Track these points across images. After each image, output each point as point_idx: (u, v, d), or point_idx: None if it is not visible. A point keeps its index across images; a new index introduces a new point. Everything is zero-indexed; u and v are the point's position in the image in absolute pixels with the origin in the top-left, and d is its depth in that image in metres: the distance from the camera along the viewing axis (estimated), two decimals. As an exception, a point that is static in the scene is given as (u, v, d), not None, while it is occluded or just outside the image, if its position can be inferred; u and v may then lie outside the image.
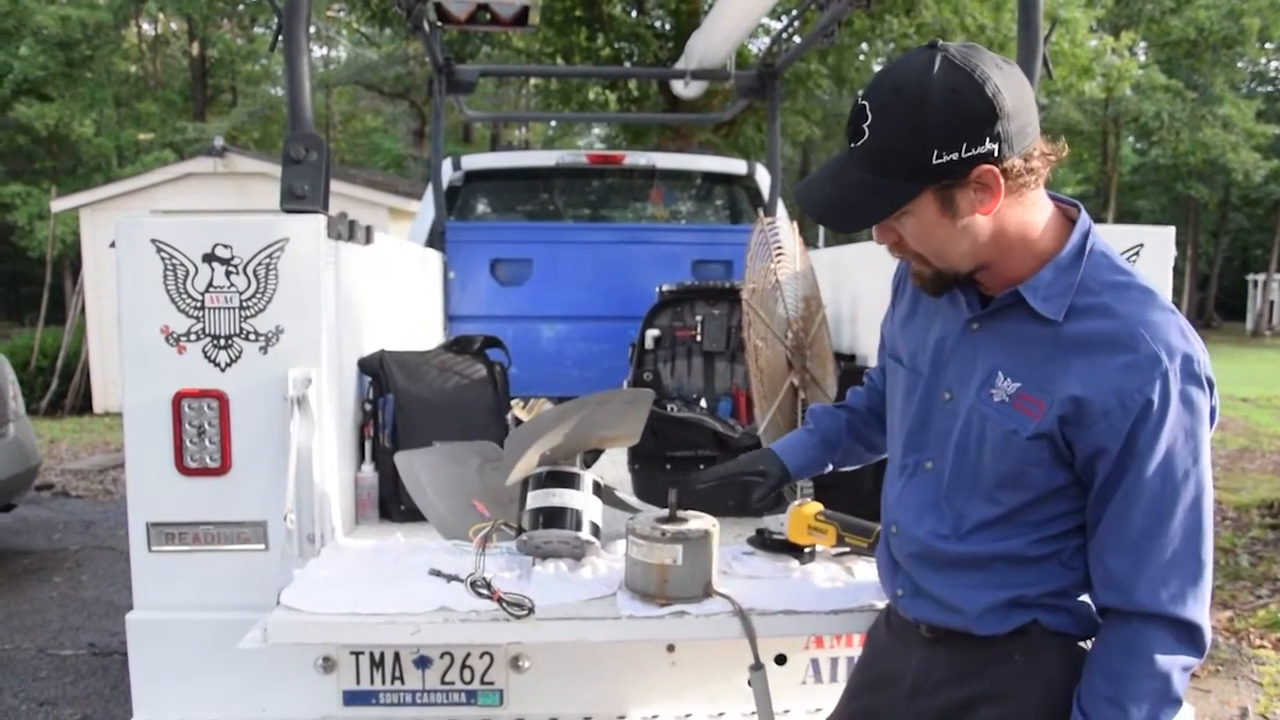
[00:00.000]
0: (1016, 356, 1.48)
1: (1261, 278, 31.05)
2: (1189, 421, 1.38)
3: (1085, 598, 1.51)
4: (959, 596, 1.54)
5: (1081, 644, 1.52)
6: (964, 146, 1.34)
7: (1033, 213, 1.45)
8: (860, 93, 1.43)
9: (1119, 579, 1.42)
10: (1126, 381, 1.37)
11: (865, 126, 1.38)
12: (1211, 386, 1.41)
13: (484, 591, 1.86)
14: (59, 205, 12.87)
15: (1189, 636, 1.40)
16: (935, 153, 1.34)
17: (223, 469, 2.23)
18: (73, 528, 6.70)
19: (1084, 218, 1.50)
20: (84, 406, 12.13)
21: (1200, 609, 1.40)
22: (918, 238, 1.45)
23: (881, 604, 1.83)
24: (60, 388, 12.11)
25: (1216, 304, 35.51)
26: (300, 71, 2.44)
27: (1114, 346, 1.39)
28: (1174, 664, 1.40)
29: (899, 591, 1.66)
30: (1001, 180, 1.37)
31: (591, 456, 2.23)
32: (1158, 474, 1.38)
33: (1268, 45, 29.08)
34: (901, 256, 1.54)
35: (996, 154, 1.35)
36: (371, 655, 2.23)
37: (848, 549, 2.10)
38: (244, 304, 2.21)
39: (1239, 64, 29.55)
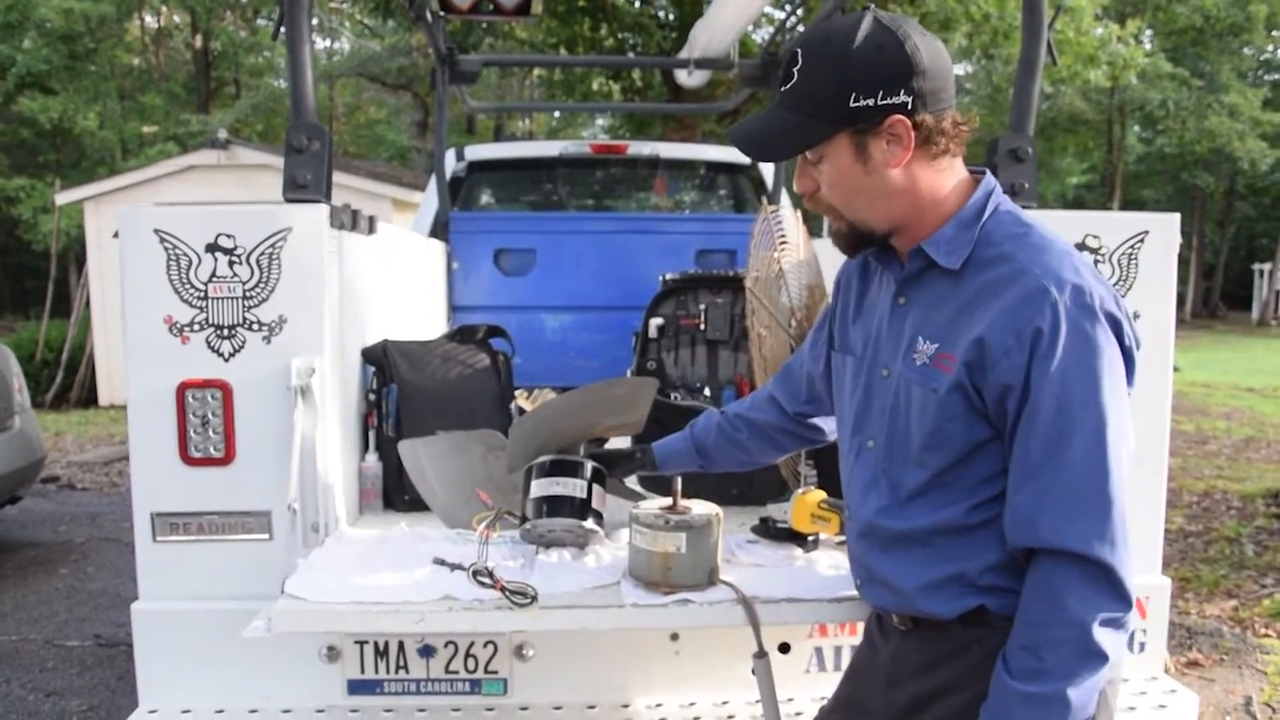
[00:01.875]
0: (933, 319, 1.54)
1: (1267, 267, 30.93)
2: (1083, 351, 1.40)
3: None
4: (900, 574, 1.57)
5: None
6: (880, 94, 1.45)
7: (945, 178, 1.54)
8: (793, 41, 1.54)
9: (1023, 514, 1.42)
10: (1019, 316, 1.41)
11: (795, 70, 1.50)
12: (1116, 324, 1.42)
13: (486, 581, 1.86)
14: (63, 198, 12.90)
15: (1105, 580, 1.38)
16: (853, 95, 1.45)
17: (226, 459, 2.24)
18: (78, 520, 6.72)
19: (989, 179, 1.58)
20: (89, 399, 12.17)
21: (1112, 550, 1.38)
22: (832, 184, 1.54)
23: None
24: (65, 381, 12.14)
25: (1222, 294, 35.41)
26: (302, 61, 2.44)
27: (1008, 286, 1.44)
28: (1090, 612, 1.37)
29: (857, 581, 1.72)
30: (912, 134, 1.47)
31: (595, 445, 2.22)
32: (1052, 403, 1.39)
33: (1275, 33, 28.95)
34: (816, 209, 1.61)
35: (910, 107, 1.46)
36: (376, 644, 2.24)
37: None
38: (247, 294, 2.21)
39: (1245, 51, 29.43)
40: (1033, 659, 1.39)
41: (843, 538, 2.12)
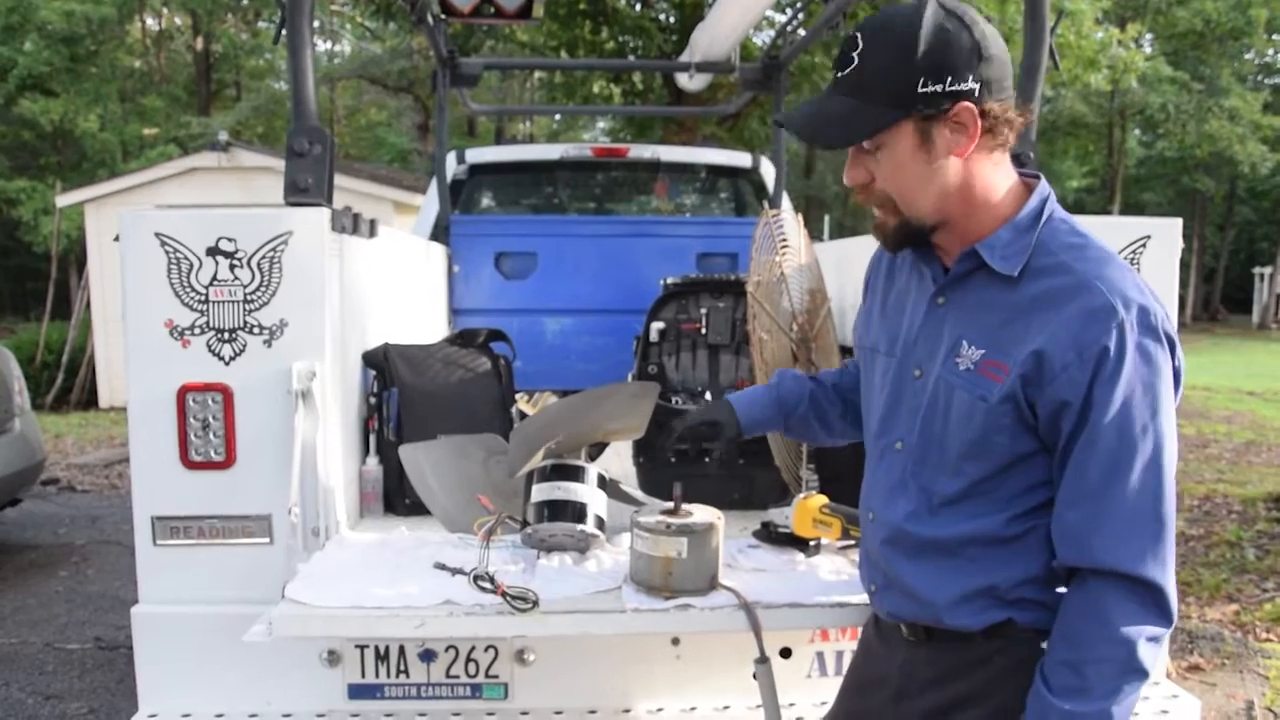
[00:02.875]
0: (979, 323, 1.49)
1: (1268, 271, 30.93)
2: (1146, 374, 1.38)
3: (1061, 589, 1.49)
4: (927, 585, 1.53)
5: None
6: (948, 79, 1.41)
7: (998, 174, 1.50)
8: (853, 28, 1.50)
9: (1077, 533, 1.40)
10: (1083, 333, 1.37)
11: (855, 55, 1.45)
12: (1172, 345, 1.41)
13: (487, 586, 1.86)
14: (64, 200, 12.91)
15: (1152, 600, 1.38)
16: (921, 81, 1.41)
17: (227, 463, 2.23)
18: (79, 522, 6.72)
19: (1044, 185, 1.54)
20: (89, 401, 12.18)
21: (1162, 571, 1.38)
22: (890, 174, 1.49)
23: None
24: (66, 382, 12.15)
25: (1223, 297, 35.41)
26: (304, 64, 2.43)
27: (1070, 299, 1.40)
28: (1138, 632, 1.37)
29: (872, 586, 1.67)
30: (979, 122, 1.43)
31: (596, 450, 2.22)
32: (1114, 425, 1.37)
33: (1275, 37, 28.98)
34: (866, 202, 1.56)
35: (976, 94, 1.42)
36: (376, 648, 2.23)
37: (853, 542, 2.09)
38: (248, 297, 2.20)
39: (1246, 56, 29.44)
40: (1075, 677, 1.38)
41: (845, 542, 2.12)
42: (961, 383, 1.48)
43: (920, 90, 1.41)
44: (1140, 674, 1.38)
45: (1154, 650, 1.38)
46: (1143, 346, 1.37)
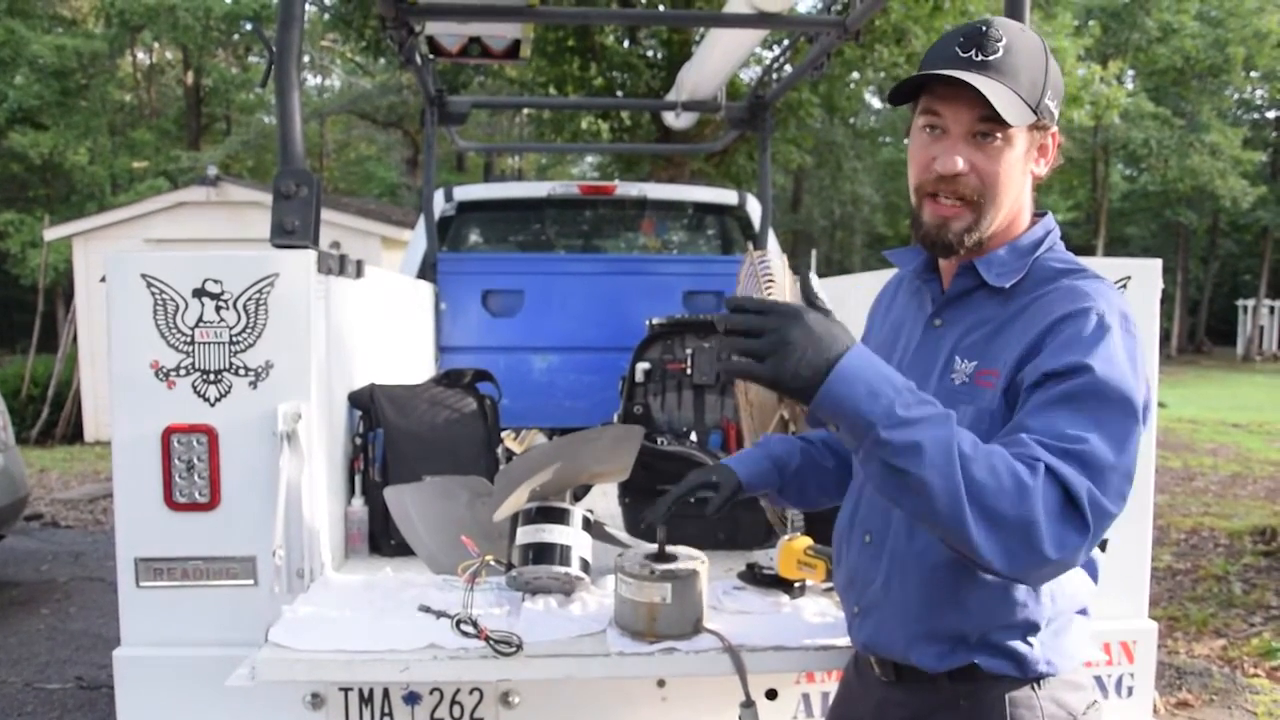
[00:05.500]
0: (971, 338, 1.52)
1: (1251, 303, 31.16)
2: (1123, 339, 1.37)
3: (1031, 637, 1.48)
4: (900, 612, 1.53)
5: (1028, 685, 1.49)
6: (1056, 103, 1.48)
7: (1029, 201, 1.56)
8: (976, 20, 1.51)
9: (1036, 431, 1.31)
10: (1061, 317, 1.40)
11: (999, 45, 1.44)
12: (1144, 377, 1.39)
13: (470, 631, 1.86)
14: (52, 233, 12.89)
15: (1079, 517, 1.25)
16: (1046, 93, 1.46)
17: (212, 504, 2.22)
18: (61, 559, 6.66)
19: (1050, 219, 1.59)
20: (75, 435, 12.09)
21: (1110, 504, 1.28)
22: (999, 170, 1.47)
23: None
24: (51, 416, 12.07)
25: (1207, 329, 35.60)
26: (291, 107, 2.45)
27: (1056, 304, 1.43)
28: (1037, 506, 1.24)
29: (855, 608, 1.65)
30: (1054, 150, 1.52)
31: (582, 491, 2.22)
32: (1086, 371, 1.32)
33: (1253, 74, 29.37)
34: (949, 190, 1.49)
35: (1055, 124, 1.50)
36: (360, 691, 2.21)
37: (837, 584, 2.09)
38: (234, 339, 2.21)
39: (1225, 92, 29.83)
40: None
41: (829, 584, 2.12)
42: (962, 396, 1.48)
43: (1043, 101, 1.45)
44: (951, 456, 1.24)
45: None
46: (1114, 328, 1.37)
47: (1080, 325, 1.37)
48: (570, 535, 2.06)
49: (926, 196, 1.52)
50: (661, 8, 12.94)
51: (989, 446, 1.27)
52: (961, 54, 1.44)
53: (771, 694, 2.28)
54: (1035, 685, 1.50)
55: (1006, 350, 1.45)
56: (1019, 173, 1.49)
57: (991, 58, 1.43)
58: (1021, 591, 1.46)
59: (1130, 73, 27.92)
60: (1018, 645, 1.48)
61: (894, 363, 1.61)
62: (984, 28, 1.45)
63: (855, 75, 14.26)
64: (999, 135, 1.46)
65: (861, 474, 1.65)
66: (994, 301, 1.51)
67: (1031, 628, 1.48)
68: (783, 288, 2.84)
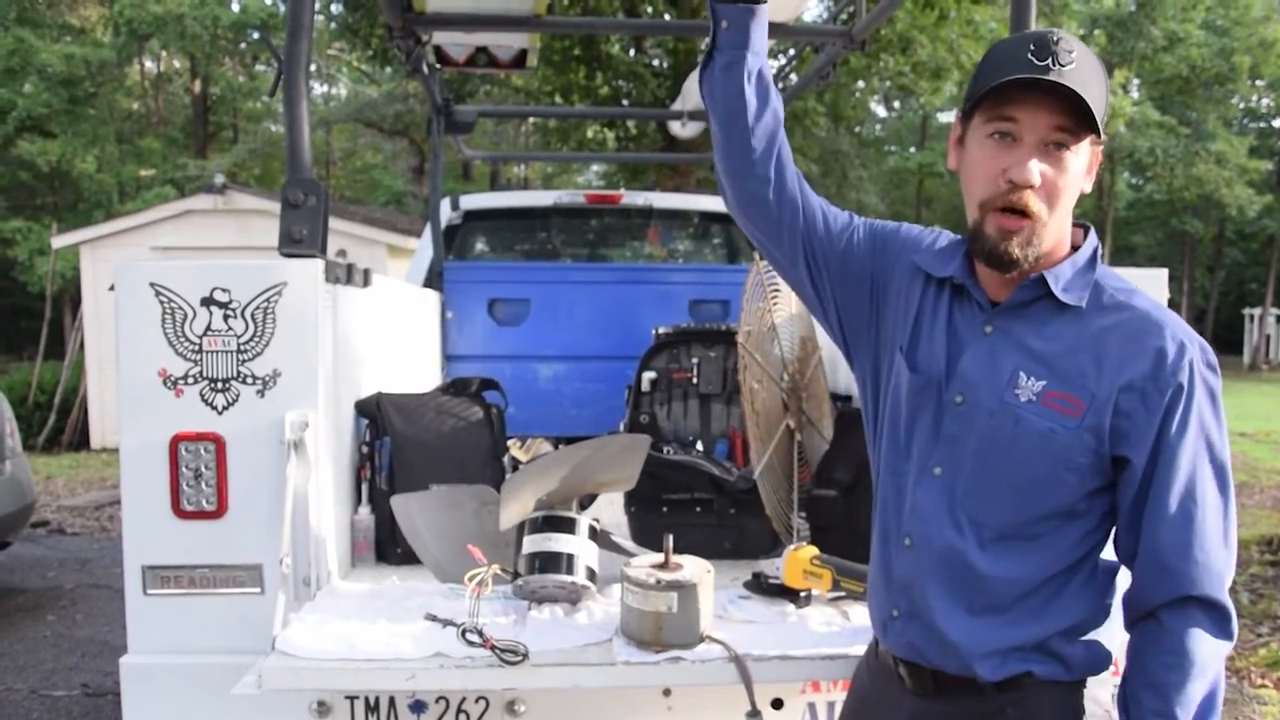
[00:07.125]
0: (1037, 355, 1.49)
1: (1258, 312, 31.11)
2: (1212, 407, 1.45)
3: (1089, 636, 1.51)
4: (964, 630, 1.49)
5: (1071, 686, 1.51)
6: (1107, 117, 1.50)
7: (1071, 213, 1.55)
8: (1037, 30, 1.54)
9: (1167, 561, 1.42)
10: (1160, 367, 1.43)
11: (1072, 56, 1.42)
12: (1218, 374, 1.49)
13: (476, 640, 1.86)
14: (59, 241, 12.94)
15: (1228, 624, 1.42)
16: (1106, 108, 1.47)
17: (219, 512, 2.23)
18: (68, 565, 6.67)
19: (1092, 231, 1.59)
20: (81, 442, 12.12)
21: (1227, 594, 1.44)
22: (1066, 181, 1.47)
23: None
24: (58, 423, 12.10)
25: (1213, 338, 35.51)
26: (299, 117, 2.47)
27: (1140, 337, 1.45)
28: (1219, 660, 1.41)
29: (894, 612, 1.58)
30: (1096, 166, 1.52)
31: (588, 500, 2.23)
32: (1189, 456, 1.42)
33: (1258, 82, 29.39)
34: (1021, 203, 1.46)
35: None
36: (367, 699, 2.22)
37: (843, 593, 2.10)
38: (242, 347, 2.22)
39: (1231, 100, 29.84)
40: None
41: (835, 594, 2.12)
42: (1029, 415, 1.46)
43: (1102, 115, 1.45)
44: (1219, 700, 1.42)
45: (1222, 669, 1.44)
46: (1207, 380, 1.45)
47: (1188, 381, 1.44)
48: (576, 544, 2.07)
49: (994, 211, 1.47)
50: (667, 17, 12.97)
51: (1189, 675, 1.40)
52: (1038, 62, 1.41)
53: (777, 703, 2.27)
54: (1078, 686, 1.52)
55: (1086, 379, 1.45)
56: (1077, 186, 1.49)
57: (1067, 67, 1.41)
58: (1079, 597, 1.50)
59: (1136, 81, 27.91)
60: (1071, 649, 1.49)
61: (942, 359, 1.56)
62: (1054, 37, 1.43)
63: (861, 84, 14.30)
64: (1071, 146, 1.45)
65: (904, 474, 1.60)
66: (1061, 318, 1.49)
67: (1086, 630, 1.51)
68: (788, 297, 2.85)
